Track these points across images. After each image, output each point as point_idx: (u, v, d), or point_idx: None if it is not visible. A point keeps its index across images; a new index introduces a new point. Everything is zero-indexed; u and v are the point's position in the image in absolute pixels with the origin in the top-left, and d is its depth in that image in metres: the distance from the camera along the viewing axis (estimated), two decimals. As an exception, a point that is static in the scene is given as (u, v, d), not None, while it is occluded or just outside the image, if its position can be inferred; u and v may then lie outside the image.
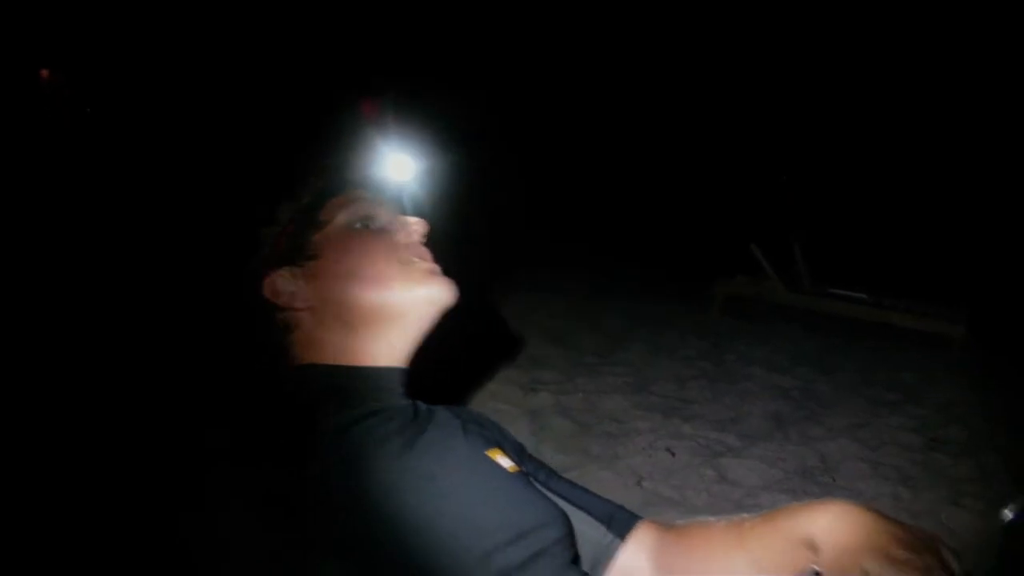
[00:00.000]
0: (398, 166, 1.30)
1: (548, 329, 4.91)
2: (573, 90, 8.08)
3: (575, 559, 1.10)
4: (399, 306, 1.12)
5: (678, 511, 2.74)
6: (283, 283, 1.13)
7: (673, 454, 3.26)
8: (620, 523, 1.22)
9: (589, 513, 1.21)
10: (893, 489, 3.04)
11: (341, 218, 1.15)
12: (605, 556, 1.20)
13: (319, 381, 1.10)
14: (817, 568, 0.94)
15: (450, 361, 1.93)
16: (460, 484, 1.02)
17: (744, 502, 2.88)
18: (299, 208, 1.18)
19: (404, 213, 1.22)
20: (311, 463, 0.96)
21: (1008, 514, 1.07)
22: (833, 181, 5.30)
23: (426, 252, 1.18)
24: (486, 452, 1.14)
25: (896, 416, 3.69)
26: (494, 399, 3.75)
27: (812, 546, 0.97)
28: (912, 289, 5.02)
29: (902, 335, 4.75)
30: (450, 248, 1.37)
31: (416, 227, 1.19)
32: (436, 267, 1.16)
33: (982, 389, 3.95)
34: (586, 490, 1.27)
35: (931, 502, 2.94)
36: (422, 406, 1.14)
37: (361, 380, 1.10)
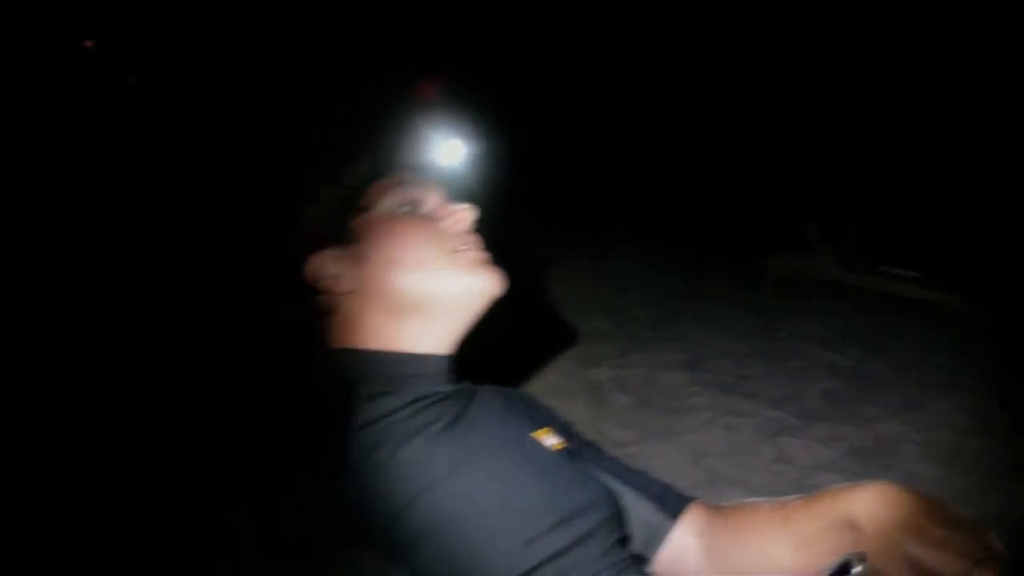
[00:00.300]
0: (448, 150, 1.27)
1: (603, 304, 5.03)
2: (617, 70, 8.06)
3: (624, 539, 1.11)
4: (446, 296, 1.09)
5: (739, 490, 2.87)
6: (327, 265, 1.10)
7: (731, 432, 3.39)
8: (671, 504, 1.20)
9: (640, 493, 1.20)
10: (944, 472, 3.10)
11: (387, 202, 1.12)
12: (657, 536, 1.18)
13: (358, 365, 1.08)
14: (858, 551, 0.94)
15: (506, 338, 1.97)
16: (501, 467, 1.02)
17: (803, 482, 2.98)
18: (344, 189, 1.14)
19: (453, 198, 1.18)
20: (344, 454, 0.94)
21: None
22: (888, 160, 5.30)
23: (475, 240, 1.14)
24: (531, 433, 1.13)
25: (948, 398, 3.75)
26: (554, 374, 3.90)
27: (854, 527, 0.96)
28: (968, 271, 5.02)
29: (953, 316, 4.77)
30: (502, 226, 1.36)
31: (465, 214, 1.14)
32: (485, 256, 1.13)
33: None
34: (635, 470, 1.25)
35: (981, 485, 2.99)
36: (466, 387, 1.13)
37: (402, 365, 1.08)
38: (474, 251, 1.12)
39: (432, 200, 1.15)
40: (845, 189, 5.67)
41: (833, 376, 4.02)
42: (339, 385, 1.04)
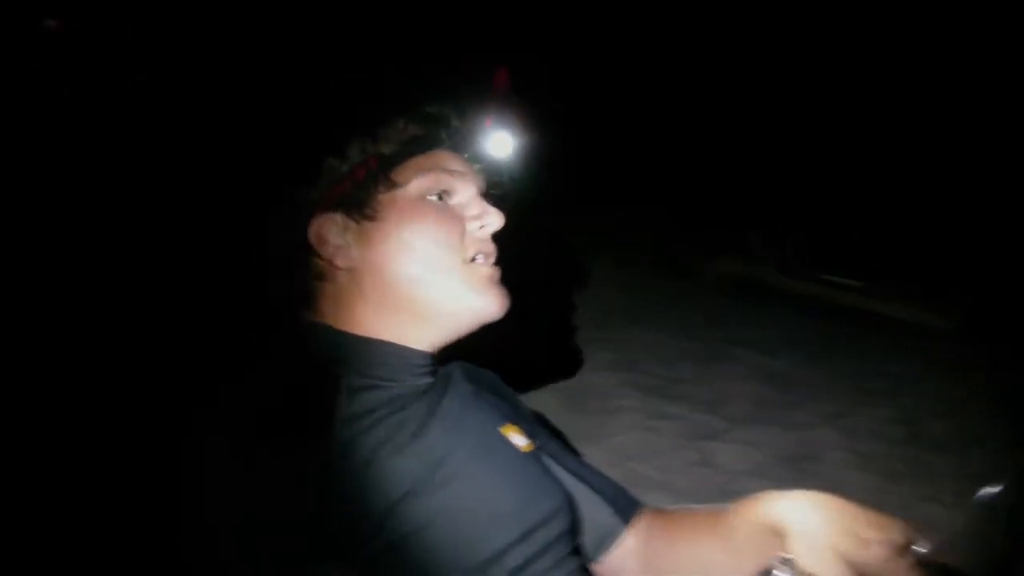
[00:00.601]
0: (498, 142, 1.19)
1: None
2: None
3: (577, 548, 1.13)
4: (444, 308, 1.05)
5: (663, 493, 2.73)
6: (333, 232, 1.05)
7: (657, 434, 3.25)
8: (625, 508, 1.22)
9: (597, 495, 1.21)
10: (875, 481, 3.02)
11: (418, 184, 1.06)
12: (609, 539, 1.20)
13: (341, 347, 1.04)
14: (785, 555, 0.96)
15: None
16: (477, 473, 1.01)
17: (727, 486, 2.87)
18: (376, 154, 1.08)
19: (489, 194, 1.12)
20: (325, 449, 0.92)
21: (982, 495, 1.07)
22: (830, 169, 5.24)
23: (492, 250, 1.09)
24: (500, 429, 1.12)
25: (882, 407, 3.66)
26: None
27: (782, 533, 0.98)
28: (909, 280, 4.98)
29: (894, 325, 4.72)
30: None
31: (493, 220, 1.09)
32: (496, 273, 1.08)
33: (971, 384, 3.91)
34: (593, 469, 1.26)
35: (911, 496, 2.91)
36: (441, 373, 1.11)
37: (387, 357, 1.04)
38: (488, 267, 1.07)
39: (465, 193, 1.09)
40: (788, 196, 5.61)
41: (765, 381, 3.89)
42: (318, 363, 1.02)
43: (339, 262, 1.05)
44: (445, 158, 1.10)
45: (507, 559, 0.98)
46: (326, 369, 1.00)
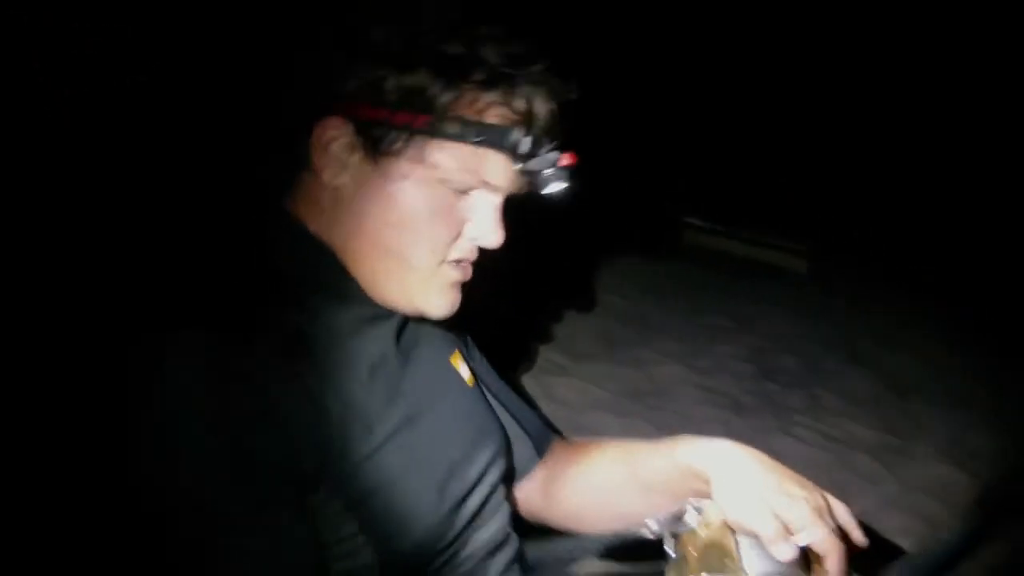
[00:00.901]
0: (554, 163, 0.94)
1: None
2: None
3: (508, 474, 1.13)
4: (390, 291, 0.95)
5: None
6: (338, 144, 0.91)
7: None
8: (543, 442, 1.22)
9: (522, 428, 1.20)
10: (723, 415, 2.91)
11: (450, 173, 0.90)
12: (523, 474, 1.20)
13: (313, 256, 0.95)
14: (698, 501, 0.95)
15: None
16: (438, 417, 0.99)
17: (574, 420, 2.67)
18: (429, 60, 0.88)
19: (511, 200, 0.97)
20: (291, 362, 0.85)
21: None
22: (696, 113, 5.10)
23: (468, 266, 0.99)
24: (450, 359, 1.10)
25: (730, 344, 3.56)
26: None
27: (703, 478, 0.97)
28: (762, 222, 4.92)
29: (745, 266, 4.66)
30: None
31: (494, 240, 0.96)
32: (462, 275, 0.98)
33: (818, 322, 3.88)
34: (518, 400, 1.24)
35: (761, 429, 2.82)
36: None
37: (346, 278, 0.95)
38: (458, 271, 0.97)
39: (487, 200, 0.95)
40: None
41: (612, 319, 3.71)
42: (289, 265, 0.95)
43: (326, 176, 0.93)
44: (496, 164, 0.92)
45: (466, 507, 0.99)
46: (291, 265, 0.95)
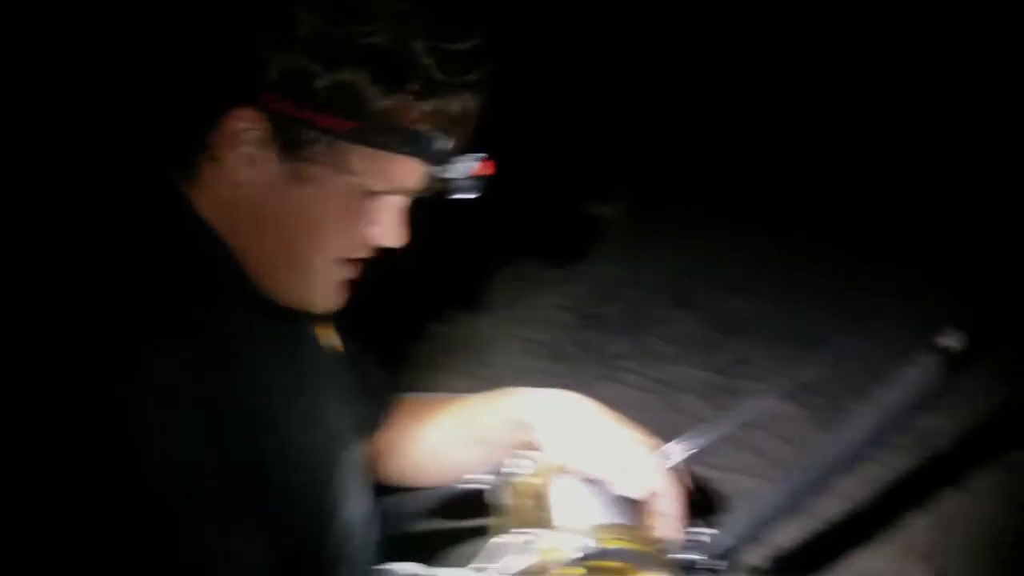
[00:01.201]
0: (467, 161, 0.92)
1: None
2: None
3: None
4: (281, 286, 0.91)
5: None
6: (249, 142, 0.83)
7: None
8: (388, 401, 1.20)
9: (373, 391, 1.18)
10: (546, 365, 2.84)
11: (368, 181, 0.86)
12: (371, 431, 1.19)
13: (209, 251, 0.88)
14: (523, 451, 0.96)
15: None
16: (308, 406, 0.97)
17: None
18: (366, 64, 0.81)
19: (420, 200, 0.93)
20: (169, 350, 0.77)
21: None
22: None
23: (370, 255, 0.94)
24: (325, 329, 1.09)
25: (551, 295, 3.48)
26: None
27: (531, 428, 0.97)
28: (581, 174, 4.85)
29: (570, 217, 4.50)
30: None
31: (395, 242, 0.92)
32: (355, 272, 0.94)
33: (639, 269, 3.82)
34: (367, 359, 1.19)
35: (587, 377, 2.75)
36: None
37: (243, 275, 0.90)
38: (351, 268, 0.93)
39: (393, 203, 0.90)
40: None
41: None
42: (183, 254, 0.88)
43: (228, 167, 0.85)
44: (414, 170, 0.88)
45: (340, 500, 1.00)
46: (186, 268, 0.87)
